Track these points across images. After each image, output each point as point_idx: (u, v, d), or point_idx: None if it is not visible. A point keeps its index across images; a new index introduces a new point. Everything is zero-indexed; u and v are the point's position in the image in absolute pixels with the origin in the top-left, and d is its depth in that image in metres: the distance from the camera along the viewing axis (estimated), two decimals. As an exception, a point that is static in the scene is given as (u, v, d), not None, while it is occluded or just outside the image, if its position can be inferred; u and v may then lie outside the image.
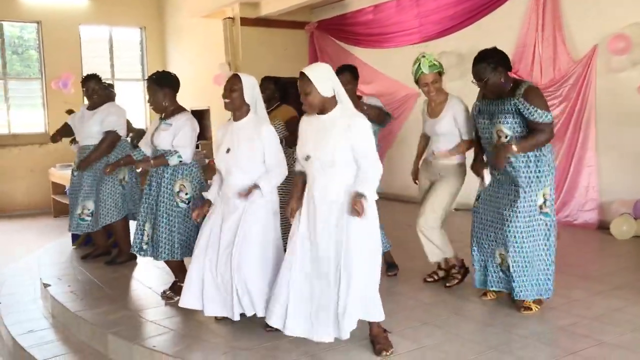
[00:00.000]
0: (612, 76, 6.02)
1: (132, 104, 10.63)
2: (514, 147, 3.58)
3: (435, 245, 4.25)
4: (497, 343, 3.32)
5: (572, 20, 6.38)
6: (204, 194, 3.80)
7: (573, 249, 5.37)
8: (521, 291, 3.71)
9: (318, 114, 3.17)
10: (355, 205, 2.97)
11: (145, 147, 4.38)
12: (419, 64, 4.08)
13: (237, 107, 3.57)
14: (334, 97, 3.13)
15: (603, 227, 6.09)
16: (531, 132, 3.61)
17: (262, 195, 3.46)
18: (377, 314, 3.18)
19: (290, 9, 9.12)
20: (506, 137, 3.66)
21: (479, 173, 3.89)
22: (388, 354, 3.16)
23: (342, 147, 3.05)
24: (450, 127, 4.14)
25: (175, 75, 4.27)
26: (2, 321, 4.55)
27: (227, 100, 3.56)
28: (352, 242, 3.05)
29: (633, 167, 5.98)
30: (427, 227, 4.20)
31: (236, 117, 3.61)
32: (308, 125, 3.24)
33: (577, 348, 3.21)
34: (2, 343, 4.41)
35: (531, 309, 3.76)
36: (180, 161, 4.08)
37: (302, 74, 3.10)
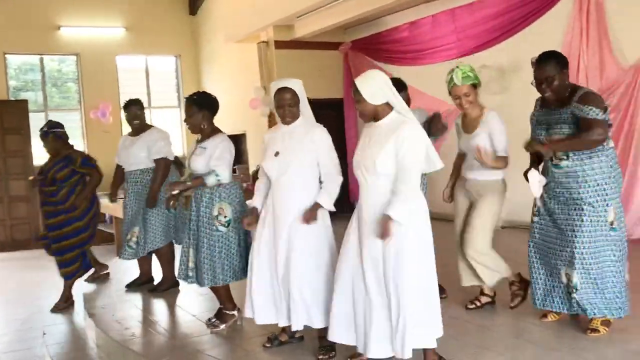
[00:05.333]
0: (665, 83, 5.77)
1: (169, 131, 10.68)
2: (552, 146, 3.39)
3: (490, 269, 4.01)
4: (566, 369, 3.10)
5: (619, 27, 6.15)
6: (248, 202, 3.69)
7: (633, 266, 5.07)
8: (592, 309, 3.46)
9: (374, 121, 3.10)
10: (383, 229, 2.89)
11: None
12: (452, 74, 3.93)
13: (297, 117, 3.49)
14: (387, 104, 3.03)
15: (663, 241, 5.78)
16: (579, 133, 3.40)
17: (326, 209, 3.37)
18: (426, 340, 2.98)
19: (324, 30, 9.09)
20: (556, 152, 3.48)
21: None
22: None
23: (385, 154, 2.94)
24: (486, 144, 3.92)
25: (214, 97, 4.21)
26: (47, 352, 4.49)
27: (288, 118, 3.47)
28: (398, 262, 2.91)
29: (692, 178, 5.68)
30: (479, 254, 3.96)
31: (286, 122, 3.51)
32: (365, 134, 3.16)
33: (654, 374, 2.97)
34: (48, 375, 4.35)
35: (599, 331, 3.51)
36: (219, 180, 3.96)
37: (353, 83, 3.06)
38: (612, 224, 3.44)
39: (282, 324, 3.51)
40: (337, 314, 3.13)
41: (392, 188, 2.96)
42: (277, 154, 3.47)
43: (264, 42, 9.74)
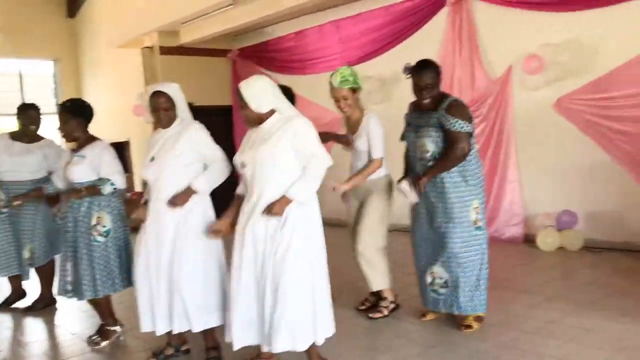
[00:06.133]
0: (528, 94, 6.27)
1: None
2: (424, 179, 3.64)
3: (377, 272, 4.10)
4: (443, 364, 3.28)
5: (488, 42, 6.62)
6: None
7: (504, 264, 5.49)
8: (460, 307, 3.69)
9: (258, 125, 3.11)
10: (272, 206, 2.95)
11: (58, 180, 4.19)
12: (332, 78, 4.05)
13: (173, 121, 3.45)
14: (272, 110, 3.06)
15: (529, 240, 6.27)
16: (445, 151, 3.65)
17: (197, 192, 3.33)
18: (302, 343, 3.02)
19: (211, 37, 9.01)
20: (428, 152, 3.69)
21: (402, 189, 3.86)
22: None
23: (282, 151, 2.97)
24: (365, 145, 4.06)
25: (89, 104, 4.04)
26: None
27: (164, 122, 3.42)
28: (284, 260, 2.95)
29: (553, 181, 6.22)
30: (368, 250, 4.07)
31: (162, 126, 3.47)
32: (249, 135, 3.17)
33: (520, 363, 3.22)
34: None
35: (472, 327, 3.75)
36: (114, 188, 3.86)
37: (237, 89, 3.05)
38: (475, 223, 3.68)
39: (162, 330, 3.43)
40: (235, 317, 3.08)
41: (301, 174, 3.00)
42: (152, 159, 3.42)
43: (148, 47, 9.48)
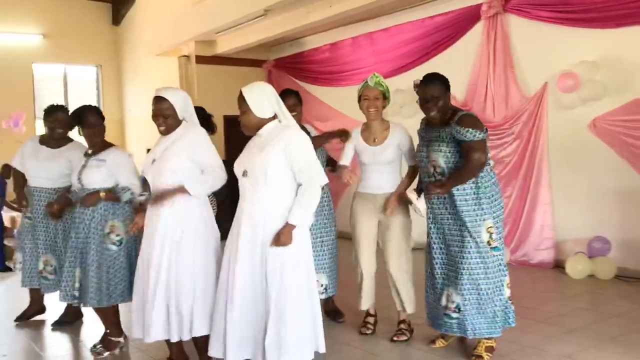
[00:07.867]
0: (563, 113, 6.01)
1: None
2: (438, 190, 3.47)
3: (405, 293, 3.97)
4: (444, 397, 3.13)
5: (523, 58, 6.40)
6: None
7: (529, 290, 5.25)
8: (475, 330, 3.50)
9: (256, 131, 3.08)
10: (279, 237, 2.90)
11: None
12: (367, 79, 3.99)
13: (174, 128, 3.37)
14: (273, 117, 3.02)
15: (559, 266, 6.00)
16: (461, 164, 3.49)
17: (190, 193, 3.20)
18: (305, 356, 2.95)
19: (247, 47, 9.05)
20: (438, 167, 3.54)
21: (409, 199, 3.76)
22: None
23: (274, 161, 2.92)
24: (395, 156, 3.97)
25: (94, 113, 4.01)
26: None
27: (162, 128, 3.34)
28: (285, 276, 2.91)
29: (586, 205, 5.93)
30: (402, 272, 3.95)
31: (161, 132, 3.40)
32: (249, 143, 3.13)
33: (526, 401, 3.04)
34: None
35: (482, 357, 3.56)
36: (132, 197, 3.86)
37: (240, 93, 3.00)
38: (489, 243, 3.49)
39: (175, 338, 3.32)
40: (232, 339, 3.01)
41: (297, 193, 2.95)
42: (153, 161, 3.37)
43: (185, 56, 9.60)
